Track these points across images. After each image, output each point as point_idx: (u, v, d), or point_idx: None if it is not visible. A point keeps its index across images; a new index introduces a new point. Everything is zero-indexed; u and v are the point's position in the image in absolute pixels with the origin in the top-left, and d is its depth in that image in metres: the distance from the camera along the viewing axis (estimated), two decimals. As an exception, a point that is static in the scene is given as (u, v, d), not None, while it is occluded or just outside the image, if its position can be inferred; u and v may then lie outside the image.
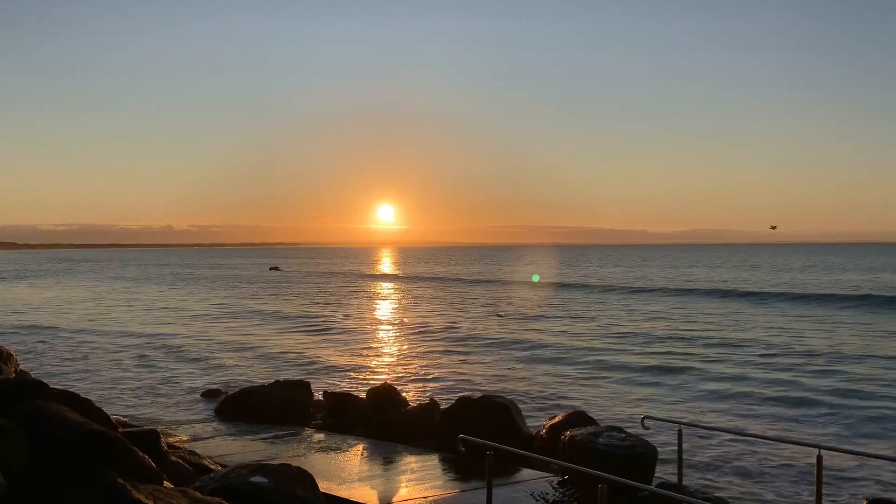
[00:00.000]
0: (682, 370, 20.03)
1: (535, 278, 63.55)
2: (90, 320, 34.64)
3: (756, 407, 15.42)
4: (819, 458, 7.50)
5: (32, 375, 12.44)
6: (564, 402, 16.15)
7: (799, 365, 20.50)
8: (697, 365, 20.87)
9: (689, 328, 29.91)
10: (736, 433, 12.36)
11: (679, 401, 16.22)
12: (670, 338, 26.80)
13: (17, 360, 12.88)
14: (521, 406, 13.22)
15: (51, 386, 8.26)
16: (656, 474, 9.40)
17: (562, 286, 52.68)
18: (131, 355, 23.55)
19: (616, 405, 15.90)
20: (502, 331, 29.21)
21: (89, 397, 8.64)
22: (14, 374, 11.93)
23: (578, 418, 11.49)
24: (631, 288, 50.69)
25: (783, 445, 11.62)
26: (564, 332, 29.21)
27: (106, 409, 8.60)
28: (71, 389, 9.51)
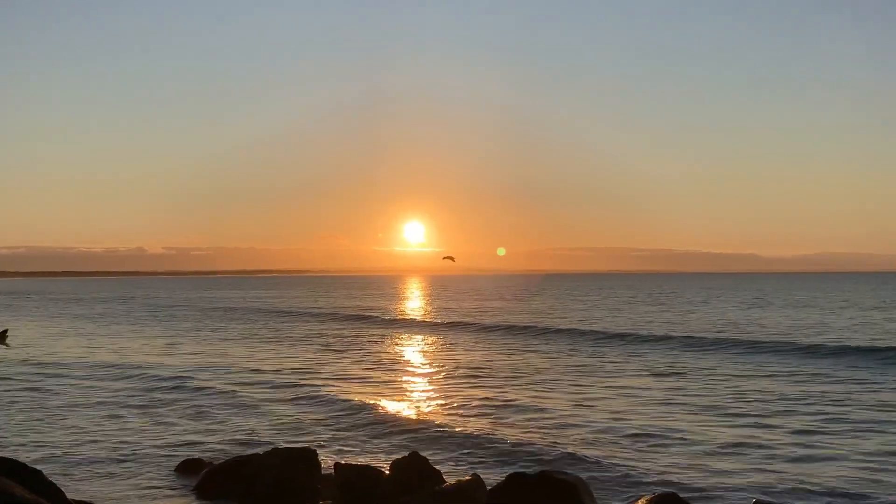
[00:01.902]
0: (790, 439, 19.74)
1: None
2: (43, 369, 35.42)
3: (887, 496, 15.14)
4: None
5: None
6: (643, 476, 16.08)
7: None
8: (808, 436, 20.55)
9: (801, 390, 29.48)
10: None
11: (789, 478, 15.97)
12: (772, 400, 26.45)
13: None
14: (591, 483, 13.21)
15: (-8, 452, 8.54)
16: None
17: (645, 340, 52.11)
18: (95, 413, 24.02)
19: (713, 476, 15.75)
20: (557, 389, 29.15)
21: (40, 467, 8.91)
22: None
23: (669, 502, 11.42)
24: (739, 340, 49.53)
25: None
26: (647, 388, 29.01)
27: (61, 483, 8.86)
28: (17, 458, 9.80)
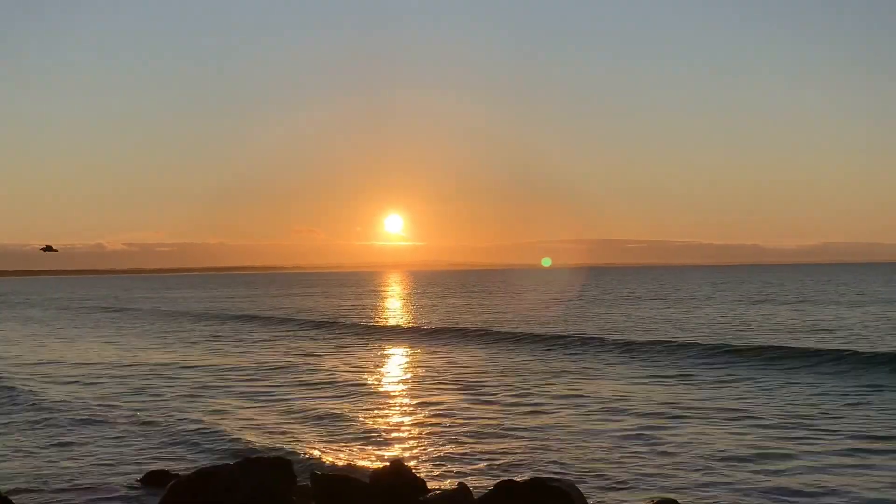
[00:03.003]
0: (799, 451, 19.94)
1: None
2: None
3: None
4: None
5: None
6: (639, 482, 16.27)
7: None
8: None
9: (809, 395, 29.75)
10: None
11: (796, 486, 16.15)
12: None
13: None
14: (583, 488, 13.30)
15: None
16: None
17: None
18: (51, 423, 24.00)
19: (712, 484, 15.91)
20: (546, 395, 29.29)
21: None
22: None
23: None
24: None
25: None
26: (644, 394, 29.22)
27: (15, 501, 8.87)
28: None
